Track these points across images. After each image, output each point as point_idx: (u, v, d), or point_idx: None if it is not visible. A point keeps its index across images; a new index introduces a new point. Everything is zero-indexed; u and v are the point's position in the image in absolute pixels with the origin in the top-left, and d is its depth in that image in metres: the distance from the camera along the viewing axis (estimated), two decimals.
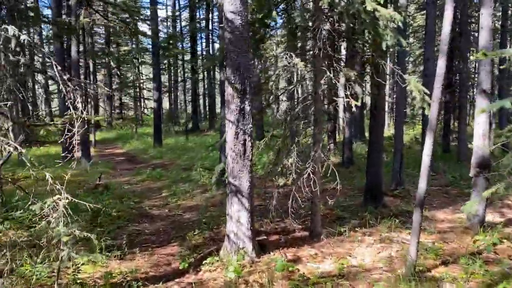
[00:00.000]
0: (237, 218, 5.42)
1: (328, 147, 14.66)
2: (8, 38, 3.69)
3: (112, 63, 30.98)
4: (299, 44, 7.57)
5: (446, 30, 4.71)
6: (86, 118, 4.74)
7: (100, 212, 8.04)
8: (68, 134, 4.10)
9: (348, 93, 5.90)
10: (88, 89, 5.08)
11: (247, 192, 5.37)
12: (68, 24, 11.87)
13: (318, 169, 5.84)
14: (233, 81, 5.20)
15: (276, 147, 6.24)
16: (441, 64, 4.78)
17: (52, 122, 4.76)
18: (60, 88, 3.76)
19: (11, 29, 3.46)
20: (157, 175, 12.52)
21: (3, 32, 3.59)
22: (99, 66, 35.87)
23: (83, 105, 4.03)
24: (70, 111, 4.12)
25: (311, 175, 5.63)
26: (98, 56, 27.84)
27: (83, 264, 5.40)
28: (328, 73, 5.95)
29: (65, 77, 3.96)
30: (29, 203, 4.30)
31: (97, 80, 35.72)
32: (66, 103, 3.82)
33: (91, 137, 21.40)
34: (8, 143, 3.93)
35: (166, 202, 9.38)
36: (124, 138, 25.21)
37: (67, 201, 3.98)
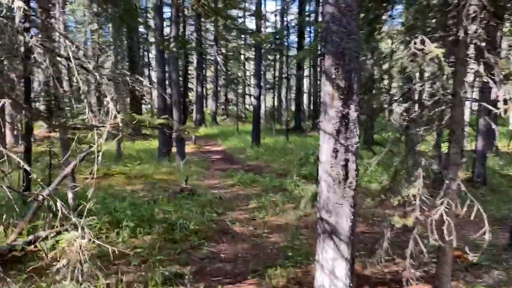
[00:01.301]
0: (331, 269, 3.83)
1: None
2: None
3: (218, 58, 31.07)
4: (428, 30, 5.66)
5: None
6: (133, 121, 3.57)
7: (176, 225, 7.07)
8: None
9: (506, 95, 3.94)
10: (131, 84, 3.90)
11: (347, 235, 3.74)
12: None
13: (456, 205, 3.97)
14: (333, 75, 3.59)
15: (392, 168, 4.49)
16: None
17: (97, 125, 3.80)
18: (75, 78, 2.57)
19: None
20: (248, 180, 11.35)
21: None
22: (208, 63, 36.51)
23: (115, 103, 2.80)
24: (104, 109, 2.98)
25: (444, 217, 3.81)
26: (203, 51, 27.97)
27: None
28: (477, 66, 4.06)
29: (89, 66, 2.76)
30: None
31: (205, 75, 36.42)
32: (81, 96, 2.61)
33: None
34: None
35: (252, 216, 8.10)
36: (225, 134, 24.86)
37: (85, 240, 2.82)
